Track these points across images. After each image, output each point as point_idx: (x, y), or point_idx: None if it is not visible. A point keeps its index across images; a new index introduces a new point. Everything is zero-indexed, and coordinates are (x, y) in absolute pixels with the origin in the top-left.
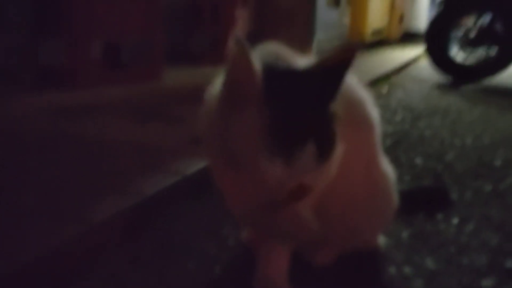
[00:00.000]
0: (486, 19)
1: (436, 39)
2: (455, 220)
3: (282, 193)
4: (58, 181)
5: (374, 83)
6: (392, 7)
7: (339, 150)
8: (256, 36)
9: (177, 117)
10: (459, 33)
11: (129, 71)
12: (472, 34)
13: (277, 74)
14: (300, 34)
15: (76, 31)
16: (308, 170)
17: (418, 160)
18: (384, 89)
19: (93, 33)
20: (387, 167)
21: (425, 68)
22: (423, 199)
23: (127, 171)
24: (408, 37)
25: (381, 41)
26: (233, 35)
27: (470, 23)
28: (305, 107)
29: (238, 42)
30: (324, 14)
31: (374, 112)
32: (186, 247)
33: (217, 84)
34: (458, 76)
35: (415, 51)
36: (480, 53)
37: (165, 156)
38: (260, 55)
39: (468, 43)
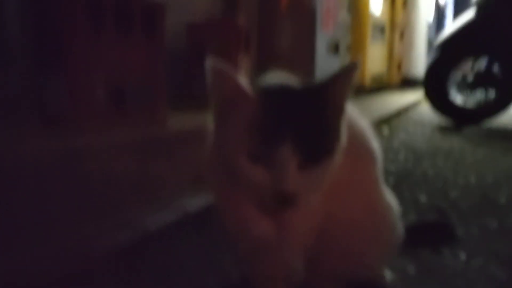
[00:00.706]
0: (483, 62)
1: (434, 84)
2: (462, 255)
3: (267, 197)
4: (59, 215)
5: (375, 126)
6: (391, 54)
7: (334, 168)
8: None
9: (180, 156)
10: (457, 77)
11: (133, 115)
12: (470, 78)
13: (269, 87)
14: (301, 70)
15: (80, 75)
16: (290, 176)
17: (422, 198)
18: (386, 131)
19: (97, 77)
20: (390, 198)
21: (426, 112)
22: (429, 234)
23: (128, 206)
24: (407, 83)
25: (381, 87)
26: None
27: (468, 67)
28: (292, 115)
29: (211, 62)
30: (324, 61)
31: (374, 143)
32: (188, 283)
33: None
34: (458, 119)
35: (415, 95)
36: (479, 95)
37: (168, 193)
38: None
39: (466, 87)
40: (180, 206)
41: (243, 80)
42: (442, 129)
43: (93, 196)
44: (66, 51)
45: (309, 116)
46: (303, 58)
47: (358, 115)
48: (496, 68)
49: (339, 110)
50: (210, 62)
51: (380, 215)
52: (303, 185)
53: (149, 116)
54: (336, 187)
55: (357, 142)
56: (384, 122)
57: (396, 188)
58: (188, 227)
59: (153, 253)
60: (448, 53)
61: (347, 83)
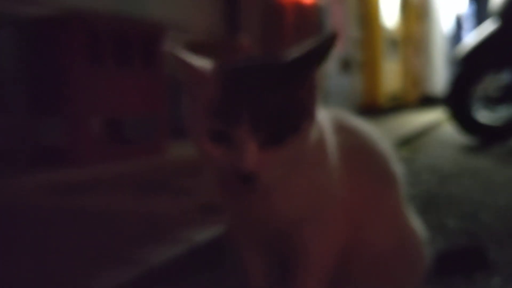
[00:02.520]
0: (507, 76)
1: (458, 101)
2: (496, 281)
3: (230, 178)
4: (61, 253)
5: (396, 147)
6: (407, 70)
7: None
8: None
9: (183, 187)
10: (480, 92)
11: (133, 146)
12: (494, 93)
13: (230, 65)
14: None
15: (77, 109)
16: (249, 156)
17: (450, 222)
18: (405, 153)
19: (95, 110)
20: (416, 223)
21: (448, 133)
22: (461, 261)
23: (132, 241)
24: (426, 101)
25: (398, 106)
26: None
27: (491, 82)
28: (251, 93)
29: (167, 49)
30: (335, 80)
31: (397, 166)
32: None
33: None
34: (484, 138)
35: (435, 114)
36: (505, 112)
37: (171, 226)
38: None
39: (491, 103)
40: (186, 239)
41: (199, 60)
42: (467, 149)
43: (94, 231)
44: (63, 83)
45: (271, 93)
46: None
47: (379, 136)
48: None
49: (311, 86)
50: (166, 49)
51: (405, 241)
52: (266, 164)
53: (149, 147)
54: (359, 213)
55: (379, 166)
56: (403, 144)
57: (421, 213)
58: (196, 260)
59: None
60: (471, 68)
61: (321, 57)
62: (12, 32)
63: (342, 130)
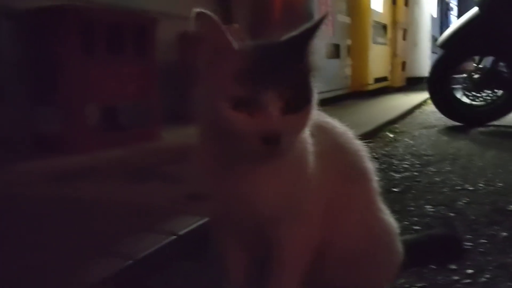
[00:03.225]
0: (488, 62)
1: (438, 84)
2: (469, 270)
3: (252, 143)
4: (48, 245)
5: (380, 130)
6: (394, 55)
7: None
8: None
9: (173, 175)
10: (462, 77)
11: (127, 134)
12: (475, 78)
13: (252, 43)
14: None
15: (72, 97)
16: (273, 121)
17: (429, 208)
18: (390, 136)
19: (89, 98)
20: (388, 218)
21: (432, 113)
22: (435, 249)
23: (119, 232)
24: (412, 83)
25: (385, 89)
26: None
27: (473, 68)
28: (275, 64)
29: (201, 13)
30: (324, 66)
31: (369, 163)
32: None
33: None
34: (464, 121)
35: (420, 97)
36: (485, 96)
37: (159, 216)
38: None
39: (471, 88)
40: (171, 230)
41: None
42: (450, 131)
43: (82, 222)
44: (58, 72)
45: (290, 65)
46: None
47: (352, 136)
48: (502, 68)
49: (310, 65)
50: (201, 13)
51: (378, 236)
52: (285, 129)
53: (143, 134)
54: (335, 209)
55: (352, 163)
56: (388, 126)
57: (401, 199)
58: (180, 250)
59: (144, 280)
60: (452, 53)
61: (314, 34)
62: (7, 22)
63: (318, 130)
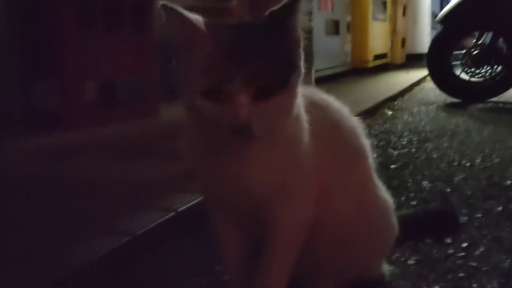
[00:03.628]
0: (487, 38)
1: (438, 61)
2: (464, 244)
3: (224, 132)
4: (46, 222)
5: (379, 107)
6: (394, 31)
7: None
8: None
9: (170, 152)
10: (461, 54)
11: (125, 110)
12: (474, 54)
13: (222, 22)
14: None
15: (69, 73)
16: (243, 108)
17: (425, 183)
18: (390, 113)
19: (87, 73)
20: (384, 194)
21: (431, 90)
22: (430, 223)
23: (116, 209)
24: (412, 60)
25: (385, 65)
26: None
27: (472, 44)
28: (243, 45)
29: (164, 8)
30: (324, 43)
31: (365, 140)
32: (179, 286)
33: None
34: (463, 97)
35: (419, 74)
36: (484, 73)
37: (156, 193)
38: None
39: (470, 64)
40: (168, 207)
41: (196, 16)
42: (448, 108)
43: (80, 200)
44: (55, 47)
45: (259, 48)
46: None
47: (348, 113)
48: (501, 44)
49: (294, 39)
50: (163, 5)
51: (374, 213)
52: (258, 117)
53: (141, 110)
54: (329, 187)
55: (348, 141)
56: (387, 104)
57: (399, 175)
58: (178, 227)
59: (141, 257)
60: (451, 29)
61: (295, 8)
62: None
63: (313, 107)
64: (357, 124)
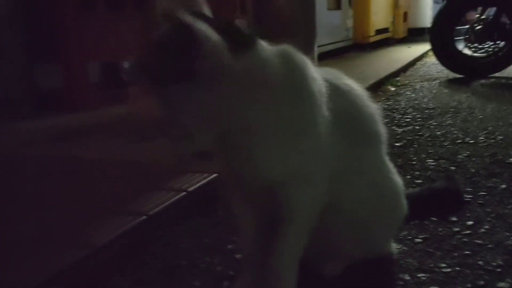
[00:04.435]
0: (490, 13)
1: (440, 36)
2: (469, 222)
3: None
4: (58, 205)
5: (382, 84)
6: (396, 5)
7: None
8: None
9: (178, 133)
10: (464, 29)
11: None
12: (478, 30)
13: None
14: (301, 39)
15: (73, 54)
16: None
17: (430, 162)
18: (392, 89)
19: (90, 54)
20: (395, 176)
21: (433, 65)
22: (435, 202)
23: (128, 191)
24: (414, 34)
25: (387, 40)
26: None
27: (475, 19)
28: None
29: None
30: (326, 18)
31: (382, 127)
32: (192, 265)
33: None
34: (466, 73)
35: (421, 48)
36: (487, 48)
37: (167, 174)
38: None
39: (474, 39)
40: (179, 187)
41: None
42: (451, 84)
43: (91, 181)
44: (59, 29)
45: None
46: (302, 16)
47: (368, 98)
48: (504, 19)
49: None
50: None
51: (386, 196)
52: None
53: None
54: (343, 172)
55: (367, 127)
56: (390, 80)
57: (404, 153)
58: (189, 206)
59: (155, 237)
60: (455, 4)
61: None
62: None
63: (335, 93)
64: (375, 110)
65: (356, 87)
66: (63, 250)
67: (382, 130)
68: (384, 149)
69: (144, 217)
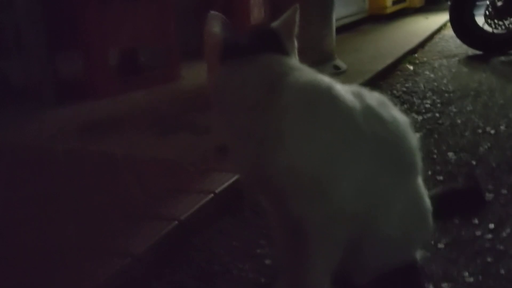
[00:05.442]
0: None
1: (461, 12)
2: (491, 225)
3: None
4: (92, 206)
5: (400, 62)
6: None
7: None
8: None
9: (200, 126)
10: (484, 5)
11: (148, 75)
12: (498, 6)
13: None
14: (318, 11)
15: (92, 41)
16: None
17: (451, 155)
18: (411, 67)
19: (109, 41)
20: (425, 196)
21: (452, 39)
22: (458, 203)
23: (156, 191)
24: (431, 3)
25: (403, 10)
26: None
27: None
28: None
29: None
30: None
31: (418, 155)
32: (225, 270)
33: None
34: (485, 49)
35: (439, 19)
36: (508, 24)
37: (193, 172)
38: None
39: (494, 15)
40: (207, 189)
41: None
42: (469, 62)
43: (119, 181)
44: (76, 19)
45: None
46: None
47: (406, 123)
48: None
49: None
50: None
51: (417, 220)
52: None
53: (164, 75)
54: (376, 199)
55: (404, 159)
56: (408, 57)
57: (424, 144)
58: (217, 207)
59: (187, 242)
60: None
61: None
62: None
63: (373, 119)
64: (414, 141)
65: (399, 117)
66: (105, 258)
67: (419, 160)
68: (420, 176)
69: (176, 222)
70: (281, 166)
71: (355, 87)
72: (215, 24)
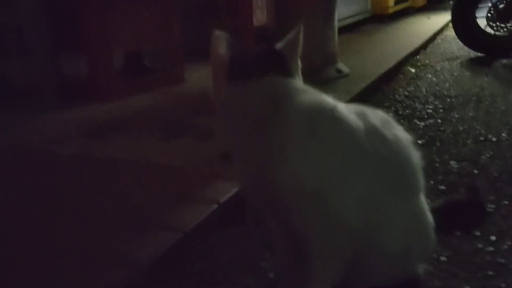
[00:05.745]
0: None
1: (463, 15)
2: (492, 237)
3: None
4: (97, 214)
5: (402, 65)
6: None
7: None
8: (279, 19)
9: (203, 129)
10: (486, 7)
11: (152, 77)
12: (500, 8)
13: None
14: (321, 11)
15: (96, 43)
16: None
17: (453, 163)
18: (413, 70)
19: (113, 43)
20: (427, 212)
21: (454, 40)
22: (459, 215)
23: (161, 199)
24: (433, 2)
25: (406, 10)
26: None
27: None
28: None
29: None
30: None
31: (420, 175)
32: (229, 283)
33: None
34: (486, 51)
35: (441, 19)
36: (510, 27)
37: (197, 180)
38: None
39: (496, 18)
40: (211, 198)
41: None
42: (472, 65)
43: (123, 187)
44: (80, 20)
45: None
46: None
47: (408, 142)
48: None
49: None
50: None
51: (419, 238)
52: None
53: (168, 76)
54: (377, 217)
55: (409, 176)
56: (410, 60)
57: (427, 153)
58: (221, 217)
59: (192, 253)
60: None
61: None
62: None
63: (376, 138)
64: (417, 160)
65: (402, 136)
66: (112, 269)
67: (421, 178)
68: (422, 192)
69: (181, 234)
70: (283, 178)
71: (358, 107)
72: (221, 44)
